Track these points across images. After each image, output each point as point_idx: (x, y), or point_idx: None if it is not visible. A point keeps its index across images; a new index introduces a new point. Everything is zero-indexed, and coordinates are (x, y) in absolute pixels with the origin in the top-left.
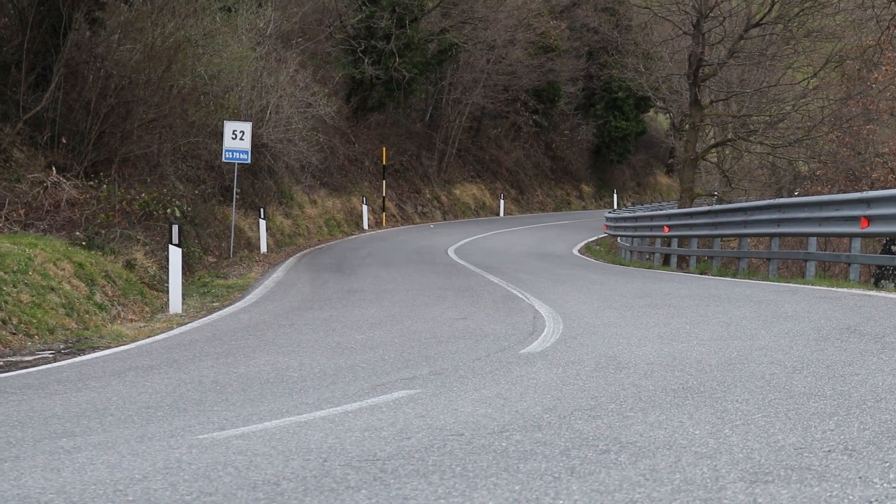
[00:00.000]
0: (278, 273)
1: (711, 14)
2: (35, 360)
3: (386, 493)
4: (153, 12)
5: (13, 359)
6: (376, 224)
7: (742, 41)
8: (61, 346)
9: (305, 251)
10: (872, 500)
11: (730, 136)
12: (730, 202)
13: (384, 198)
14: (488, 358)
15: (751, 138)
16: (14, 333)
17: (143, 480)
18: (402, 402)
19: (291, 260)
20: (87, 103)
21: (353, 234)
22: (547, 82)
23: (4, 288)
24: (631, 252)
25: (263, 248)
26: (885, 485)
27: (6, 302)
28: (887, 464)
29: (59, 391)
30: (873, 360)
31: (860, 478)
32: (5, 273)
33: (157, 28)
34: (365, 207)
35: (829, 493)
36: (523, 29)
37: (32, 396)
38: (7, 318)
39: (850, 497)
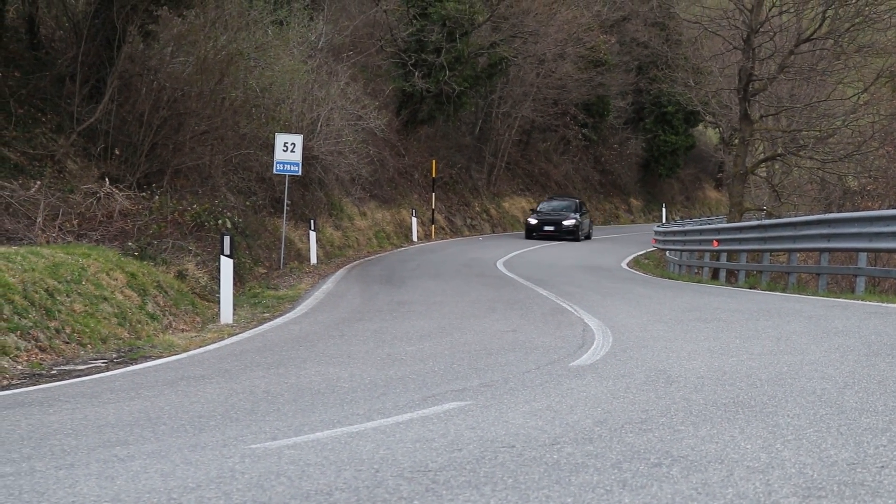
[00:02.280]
0: (328, 284)
1: (762, 29)
2: (88, 368)
3: (438, 503)
4: (206, 25)
5: (66, 367)
6: (425, 236)
7: (792, 56)
8: (114, 356)
9: (355, 263)
10: None
11: (779, 150)
12: (779, 217)
13: (433, 210)
14: (538, 370)
15: (800, 153)
16: (67, 342)
17: (196, 489)
18: (453, 413)
19: (341, 271)
20: (140, 115)
21: (402, 247)
22: (596, 96)
23: (58, 297)
24: (679, 266)
25: (313, 260)
26: None
27: (60, 311)
28: None
29: (112, 400)
30: None
31: None
32: (59, 283)
33: (209, 41)
34: (414, 220)
35: None
36: (573, 43)
37: (86, 405)
38: (61, 327)
39: None
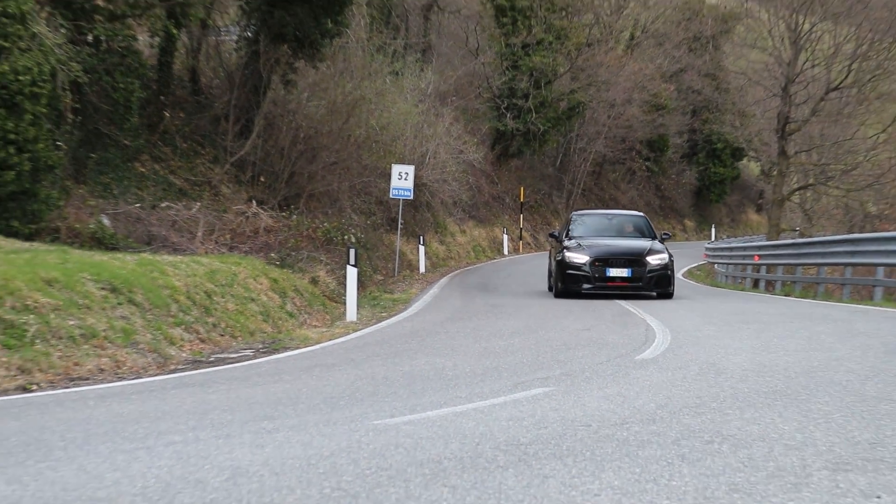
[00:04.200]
0: (434, 290)
1: (797, 80)
2: (239, 357)
3: (529, 471)
4: (335, 75)
5: (222, 355)
6: (514, 250)
7: (823, 102)
8: (260, 346)
9: (456, 272)
10: None
11: (811, 181)
12: (810, 236)
13: (521, 229)
14: (609, 363)
15: (829, 183)
16: (222, 335)
17: (330, 457)
18: (539, 397)
19: (445, 279)
20: (281, 149)
21: (494, 259)
22: (658, 135)
23: (215, 298)
24: (726, 277)
25: (422, 269)
26: None
27: (216, 309)
28: None
29: (259, 383)
30: None
31: None
32: (215, 286)
33: (338, 88)
34: (505, 236)
35: None
36: (639, 90)
37: (238, 387)
38: (217, 322)
39: None
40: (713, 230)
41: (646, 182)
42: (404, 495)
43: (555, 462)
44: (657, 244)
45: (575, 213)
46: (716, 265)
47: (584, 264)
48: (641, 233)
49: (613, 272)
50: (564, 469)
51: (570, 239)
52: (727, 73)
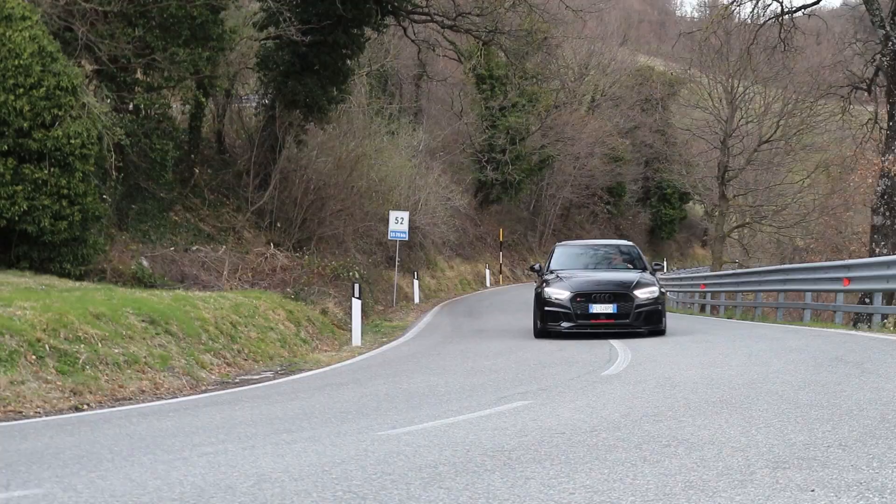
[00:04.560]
0: (427, 317)
1: (734, 134)
2: (260, 378)
3: (513, 473)
4: (341, 135)
5: (246, 377)
6: (495, 283)
7: (755, 153)
8: (278, 369)
9: (446, 302)
10: (861, 481)
11: (747, 220)
12: (748, 267)
13: (501, 264)
14: (579, 378)
15: (762, 222)
16: (246, 359)
17: (341, 464)
18: (520, 409)
19: (436, 308)
20: (295, 199)
21: (478, 290)
22: (616, 182)
23: (239, 328)
24: (676, 302)
25: (416, 300)
26: (870, 471)
27: (240, 337)
28: (871, 455)
29: (278, 400)
30: (856, 380)
31: (852, 465)
32: (240, 317)
33: (343, 146)
34: (487, 271)
35: (829, 477)
36: (599, 145)
37: (261, 404)
38: (241, 348)
39: (846, 479)
40: (665, 263)
41: (606, 223)
42: (406, 496)
43: (535, 465)
44: (647, 276)
45: (558, 244)
46: (667, 293)
47: (565, 300)
48: (631, 264)
49: (597, 308)
50: (543, 471)
51: (551, 272)
52: (674, 129)
